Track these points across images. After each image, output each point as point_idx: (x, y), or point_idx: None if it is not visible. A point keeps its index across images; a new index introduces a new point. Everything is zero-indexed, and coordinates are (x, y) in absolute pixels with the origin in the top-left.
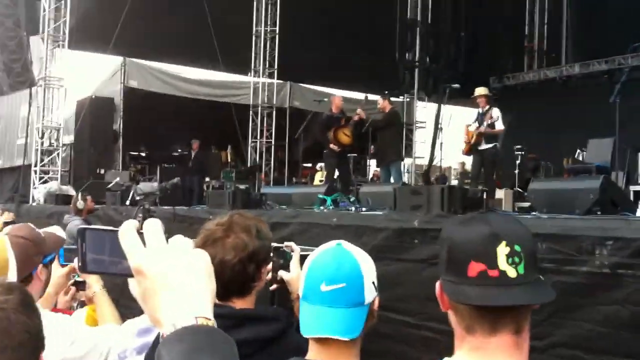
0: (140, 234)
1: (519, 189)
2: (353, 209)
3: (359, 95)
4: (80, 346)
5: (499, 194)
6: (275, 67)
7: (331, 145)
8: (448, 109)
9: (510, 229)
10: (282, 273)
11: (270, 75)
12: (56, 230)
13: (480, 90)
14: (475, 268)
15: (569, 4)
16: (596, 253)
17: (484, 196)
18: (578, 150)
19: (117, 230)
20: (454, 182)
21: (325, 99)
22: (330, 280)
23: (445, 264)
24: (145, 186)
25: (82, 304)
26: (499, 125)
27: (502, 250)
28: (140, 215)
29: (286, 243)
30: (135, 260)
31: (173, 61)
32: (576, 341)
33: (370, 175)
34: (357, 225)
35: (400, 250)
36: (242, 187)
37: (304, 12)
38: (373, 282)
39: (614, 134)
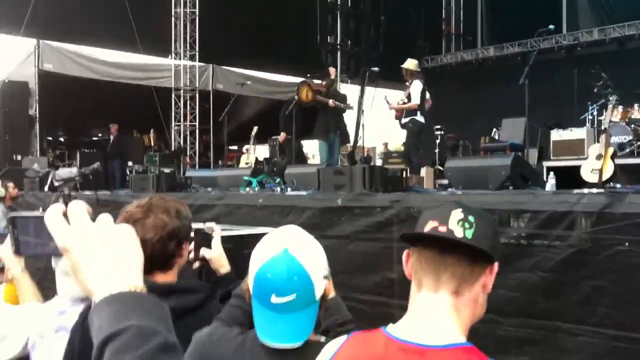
0: (66, 216)
1: (439, 167)
2: (278, 189)
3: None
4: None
5: (421, 171)
6: (197, 49)
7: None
8: (370, 91)
9: (474, 208)
10: (204, 251)
11: (192, 58)
12: None
13: (405, 63)
14: (430, 225)
15: None
16: (512, 225)
17: (404, 175)
18: (494, 129)
19: (44, 215)
20: (379, 162)
21: (248, 82)
22: (280, 292)
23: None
24: (63, 172)
25: None
26: (414, 100)
27: (456, 214)
28: (61, 201)
29: (207, 224)
30: (61, 239)
31: (89, 43)
32: (491, 305)
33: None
34: (282, 206)
35: (325, 227)
36: (166, 170)
37: None
38: (324, 276)
39: (525, 114)
